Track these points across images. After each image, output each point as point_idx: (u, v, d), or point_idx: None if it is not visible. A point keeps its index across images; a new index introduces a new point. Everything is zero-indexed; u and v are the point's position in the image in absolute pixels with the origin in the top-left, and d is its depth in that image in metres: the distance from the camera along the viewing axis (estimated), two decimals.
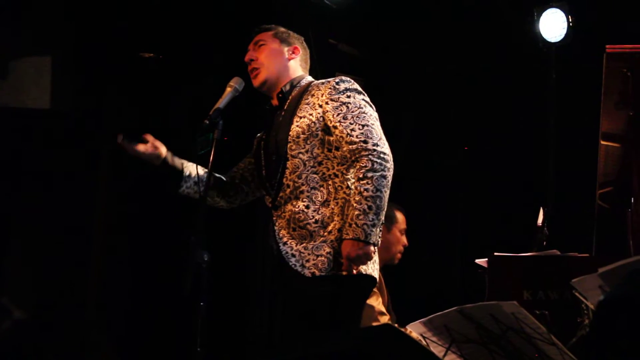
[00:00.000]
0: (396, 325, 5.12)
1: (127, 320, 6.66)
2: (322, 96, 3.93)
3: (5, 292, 6.12)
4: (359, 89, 3.97)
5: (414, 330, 4.02)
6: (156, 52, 6.59)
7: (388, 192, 3.80)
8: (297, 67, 4.15)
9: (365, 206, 3.73)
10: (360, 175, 3.77)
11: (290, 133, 3.93)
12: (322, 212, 3.85)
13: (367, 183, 3.75)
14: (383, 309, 5.22)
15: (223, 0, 6.51)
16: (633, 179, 4.68)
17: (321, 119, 3.91)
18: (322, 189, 3.88)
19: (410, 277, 6.73)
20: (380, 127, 3.90)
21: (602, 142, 4.87)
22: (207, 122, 3.84)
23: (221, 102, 3.93)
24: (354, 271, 3.78)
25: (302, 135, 3.91)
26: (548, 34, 6.56)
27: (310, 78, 4.15)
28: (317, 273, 3.81)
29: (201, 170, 4.10)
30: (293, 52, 4.15)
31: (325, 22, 6.54)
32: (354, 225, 3.73)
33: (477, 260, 4.84)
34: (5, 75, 6.16)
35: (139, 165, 4.21)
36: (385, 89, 6.82)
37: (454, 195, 7.38)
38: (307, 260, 3.82)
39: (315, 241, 3.84)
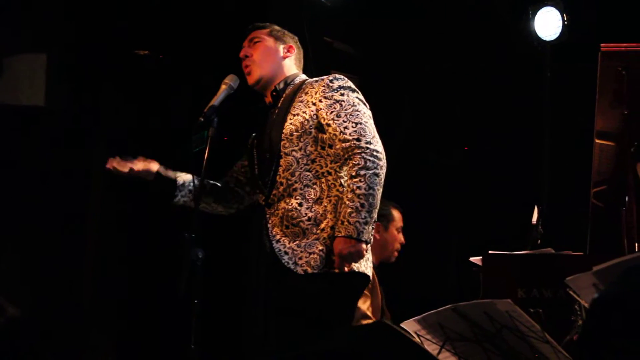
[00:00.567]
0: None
1: (121, 318, 6.67)
2: (315, 94, 3.93)
3: (1, 290, 6.12)
4: (353, 86, 3.97)
5: (409, 328, 4.02)
6: (151, 50, 6.59)
7: (381, 190, 3.80)
8: (292, 65, 4.16)
9: (358, 204, 3.73)
10: (353, 173, 3.78)
11: (284, 131, 3.93)
12: (315, 210, 3.86)
13: (360, 181, 3.75)
14: (369, 313, 5.20)
15: None
16: (627, 177, 4.68)
17: (315, 117, 3.91)
18: (315, 186, 3.88)
19: (405, 275, 6.73)
20: (373, 125, 3.90)
21: (597, 141, 4.87)
22: (202, 119, 3.84)
23: (216, 100, 3.92)
24: (346, 269, 3.78)
25: (295, 133, 3.91)
26: (543, 33, 6.57)
27: (304, 76, 4.15)
28: (310, 271, 3.81)
29: (196, 180, 4.11)
30: (288, 51, 4.15)
31: (321, 20, 6.54)
32: (346, 223, 3.73)
33: (471, 259, 4.85)
34: (0, 72, 6.16)
35: (134, 184, 4.21)
36: (380, 88, 6.82)
37: (448, 193, 7.39)
38: (300, 258, 3.83)
39: (308, 239, 3.84)
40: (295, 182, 3.89)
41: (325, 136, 3.90)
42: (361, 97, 3.97)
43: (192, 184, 4.09)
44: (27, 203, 6.35)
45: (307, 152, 3.90)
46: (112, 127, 6.71)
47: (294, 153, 3.91)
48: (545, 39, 6.57)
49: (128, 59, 6.57)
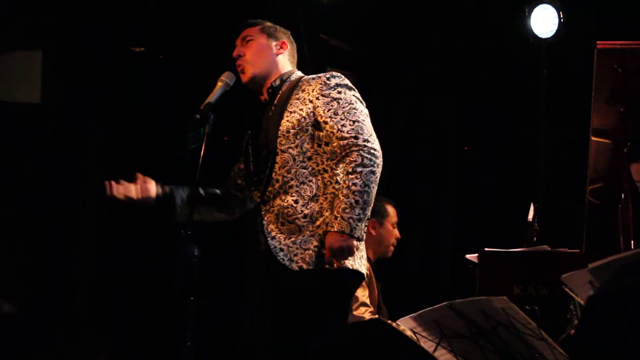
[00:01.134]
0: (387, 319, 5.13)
1: (117, 315, 6.66)
2: (312, 91, 3.93)
3: None
4: (350, 84, 3.97)
5: (405, 325, 4.03)
6: (147, 47, 6.59)
7: (376, 188, 3.80)
8: (286, 61, 4.15)
9: (353, 200, 3.73)
10: (350, 170, 3.77)
11: (281, 128, 3.93)
12: (310, 207, 3.85)
13: (356, 177, 3.75)
14: (367, 301, 5.23)
15: None
16: (623, 175, 4.69)
17: (311, 114, 3.91)
18: (311, 184, 3.88)
19: (401, 272, 6.74)
20: (370, 124, 3.90)
21: (593, 138, 4.88)
22: (199, 116, 3.84)
23: (212, 97, 3.91)
24: (335, 265, 3.77)
25: (292, 130, 3.91)
26: (539, 30, 6.57)
27: (300, 73, 4.14)
28: (305, 267, 3.81)
29: (185, 193, 4.12)
30: (281, 47, 4.15)
31: (317, 18, 6.53)
32: (339, 219, 3.73)
33: (467, 256, 4.85)
34: None
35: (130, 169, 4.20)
36: (377, 85, 6.82)
37: (444, 190, 7.39)
38: (295, 255, 3.83)
39: (303, 235, 3.84)
40: (291, 179, 3.88)
41: (321, 134, 3.90)
42: (358, 95, 3.97)
43: (189, 196, 4.11)
44: (22, 200, 6.35)
45: (304, 149, 3.90)
46: (108, 124, 6.71)
47: (290, 150, 3.90)
48: (541, 37, 6.57)
49: (124, 56, 6.57)
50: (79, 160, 6.54)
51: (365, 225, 3.78)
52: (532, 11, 6.56)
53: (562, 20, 6.49)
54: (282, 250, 3.84)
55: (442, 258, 7.31)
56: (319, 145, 3.90)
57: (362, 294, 5.17)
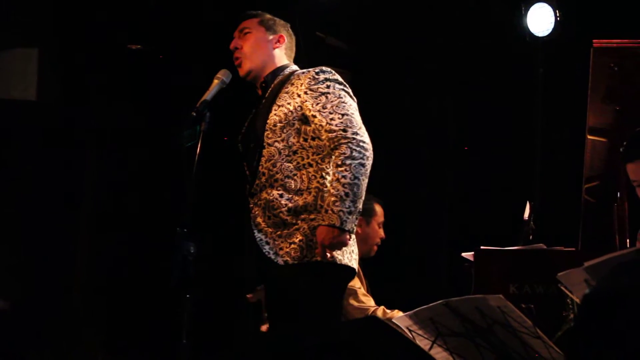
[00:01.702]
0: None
1: (113, 312, 6.66)
2: (301, 86, 3.94)
3: None
4: (340, 79, 3.97)
5: (400, 323, 4.03)
6: (144, 44, 6.58)
7: (366, 180, 3.80)
8: (282, 55, 4.16)
9: (342, 193, 3.73)
10: (339, 162, 3.78)
11: (268, 121, 3.94)
12: (295, 201, 3.86)
13: (345, 170, 3.75)
14: (365, 293, 5.25)
15: None
16: (619, 173, 4.69)
17: (299, 109, 3.91)
18: (295, 177, 3.88)
19: (396, 270, 6.74)
20: (359, 117, 3.91)
21: (589, 137, 4.87)
22: (195, 114, 3.84)
23: (208, 94, 3.92)
24: (328, 257, 3.76)
25: (279, 124, 3.92)
26: (535, 29, 6.57)
27: (294, 67, 4.15)
28: (290, 261, 3.81)
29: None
30: (278, 41, 4.15)
31: (313, 15, 6.53)
32: (330, 212, 3.73)
33: (463, 254, 4.85)
34: None
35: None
36: (374, 83, 6.82)
37: (440, 188, 7.39)
38: (281, 249, 3.84)
39: (288, 229, 3.85)
40: (277, 172, 3.89)
41: (309, 128, 3.90)
42: (348, 89, 3.97)
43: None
44: (19, 197, 6.34)
45: (290, 143, 3.90)
46: (105, 122, 6.71)
47: (276, 144, 3.91)
48: (537, 35, 6.57)
49: (120, 53, 6.56)
50: (76, 158, 6.54)
51: (356, 218, 3.77)
52: (528, 10, 6.57)
53: (558, 18, 6.49)
54: (267, 243, 3.85)
55: (439, 256, 7.31)
56: (305, 140, 3.90)
57: (358, 286, 5.19)
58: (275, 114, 3.94)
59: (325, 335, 3.82)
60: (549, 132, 6.65)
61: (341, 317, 4.13)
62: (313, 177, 3.88)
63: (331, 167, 3.84)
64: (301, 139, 3.91)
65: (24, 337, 6.14)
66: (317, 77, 3.93)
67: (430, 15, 6.95)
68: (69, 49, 6.41)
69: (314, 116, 3.87)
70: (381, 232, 5.52)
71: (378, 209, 5.52)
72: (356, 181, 3.75)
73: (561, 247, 4.69)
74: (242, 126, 4.20)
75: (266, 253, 3.85)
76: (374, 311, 5.17)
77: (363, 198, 3.81)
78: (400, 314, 4.81)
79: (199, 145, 3.78)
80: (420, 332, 3.77)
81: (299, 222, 3.84)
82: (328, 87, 3.91)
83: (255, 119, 4.05)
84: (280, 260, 3.83)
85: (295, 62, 4.24)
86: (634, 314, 2.35)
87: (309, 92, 3.91)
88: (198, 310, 3.70)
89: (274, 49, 4.14)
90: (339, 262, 3.83)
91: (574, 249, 4.74)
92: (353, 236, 3.87)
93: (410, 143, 7.32)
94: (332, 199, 3.74)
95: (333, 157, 3.82)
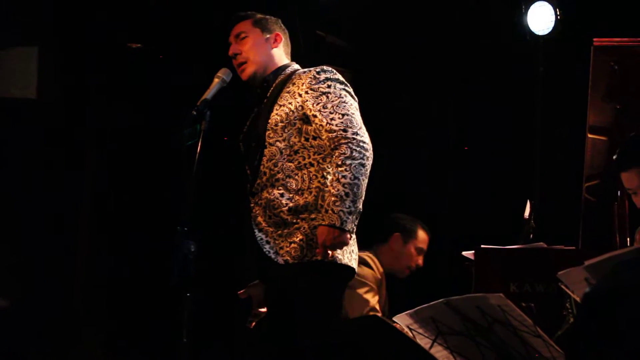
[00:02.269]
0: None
1: (113, 312, 6.66)
2: (302, 85, 3.94)
3: None
4: (341, 79, 3.97)
5: (401, 321, 4.02)
6: (144, 43, 6.58)
7: (366, 180, 3.81)
8: (282, 54, 4.16)
9: (342, 193, 3.73)
10: (339, 162, 3.78)
11: (270, 121, 3.94)
12: (296, 200, 3.86)
13: (345, 170, 3.75)
14: (377, 308, 5.21)
15: None
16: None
17: (300, 108, 3.91)
18: (296, 177, 3.89)
19: None
20: (360, 117, 3.91)
21: (589, 135, 4.88)
22: (195, 112, 3.84)
23: (208, 93, 3.91)
24: (329, 257, 3.76)
25: (280, 124, 3.92)
26: (536, 27, 6.56)
27: (295, 66, 4.15)
28: (290, 261, 3.82)
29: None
30: (275, 40, 4.15)
31: (313, 14, 6.53)
32: (330, 212, 3.73)
33: (464, 253, 4.85)
34: None
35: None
36: (374, 83, 6.82)
37: (440, 187, 7.39)
38: (281, 248, 3.84)
39: (288, 229, 3.85)
40: (278, 172, 3.90)
41: (310, 127, 3.90)
42: (349, 89, 3.97)
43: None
44: (18, 197, 6.34)
45: (291, 143, 3.91)
46: (105, 122, 6.71)
47: (277, 143, 3.91)
48: (538, 34, 6.56)
49: (120, 51, 6.56)
50: (76, 158, 6.54)
51: (356, 218, 3.77)
52: (529, 8, 6.56)
53: (558, 17, 6.49)
54: (268, 242, 3.86)
55: (440, 256, 7.31)
56: (307, 139, 3.91)
57: (373, 298, 5.15)
58: (276, 114, 3.94)
59: (325, 335, 3.82)
60: (549, 130, 6.64)
61: (342, 313, 4.12)
62: (314, 177, 3.88)
63: (331, 167, 3.84)
64: (302, 139, 3.91)
65: (24, 336, 6.14)
66: (318, 76, 3.93)
67: (431, 14, 6.95)
68: (69, 49, 6.41)
69: (315, 116, 3.87)
70: (418, 259, 5.48)
71: (421, 234, 5.49)
72: (356, 181, 3.76)
73: (561, 245, 4.69)
74: (243, 126, 4.21)
75: (266, 252, 3.85)
76: (373, 310, 5.17)
77: (363, 198, 3.81)
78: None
79: (199, 145, 3.77)
80: (420, 330, 3.77)
81: (299, 221, 3.84)
82: (329, 86, 3.91)
83: (257, 119, 4.05)
84: (280, 260, 3.83)
85: (296, 61, 4.24)
86: (634, 313, 2.35)
87: (309, 91, 3.91)
88: (198, 310, 3.70)
89: (273, 49, 4.15)
90: (339, 262, 3.84)
91: (574, 247, 4.74)
92: (354, 236, 3.87)
93: (410, 143, 7.31)
94: (333, 199, 3.74)
95: (333, 157, 3.82)
